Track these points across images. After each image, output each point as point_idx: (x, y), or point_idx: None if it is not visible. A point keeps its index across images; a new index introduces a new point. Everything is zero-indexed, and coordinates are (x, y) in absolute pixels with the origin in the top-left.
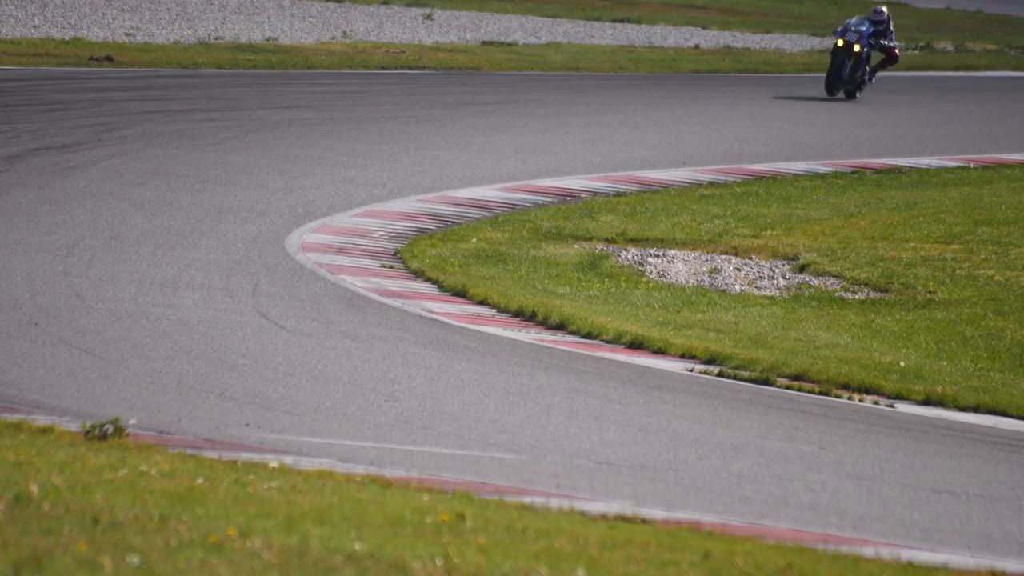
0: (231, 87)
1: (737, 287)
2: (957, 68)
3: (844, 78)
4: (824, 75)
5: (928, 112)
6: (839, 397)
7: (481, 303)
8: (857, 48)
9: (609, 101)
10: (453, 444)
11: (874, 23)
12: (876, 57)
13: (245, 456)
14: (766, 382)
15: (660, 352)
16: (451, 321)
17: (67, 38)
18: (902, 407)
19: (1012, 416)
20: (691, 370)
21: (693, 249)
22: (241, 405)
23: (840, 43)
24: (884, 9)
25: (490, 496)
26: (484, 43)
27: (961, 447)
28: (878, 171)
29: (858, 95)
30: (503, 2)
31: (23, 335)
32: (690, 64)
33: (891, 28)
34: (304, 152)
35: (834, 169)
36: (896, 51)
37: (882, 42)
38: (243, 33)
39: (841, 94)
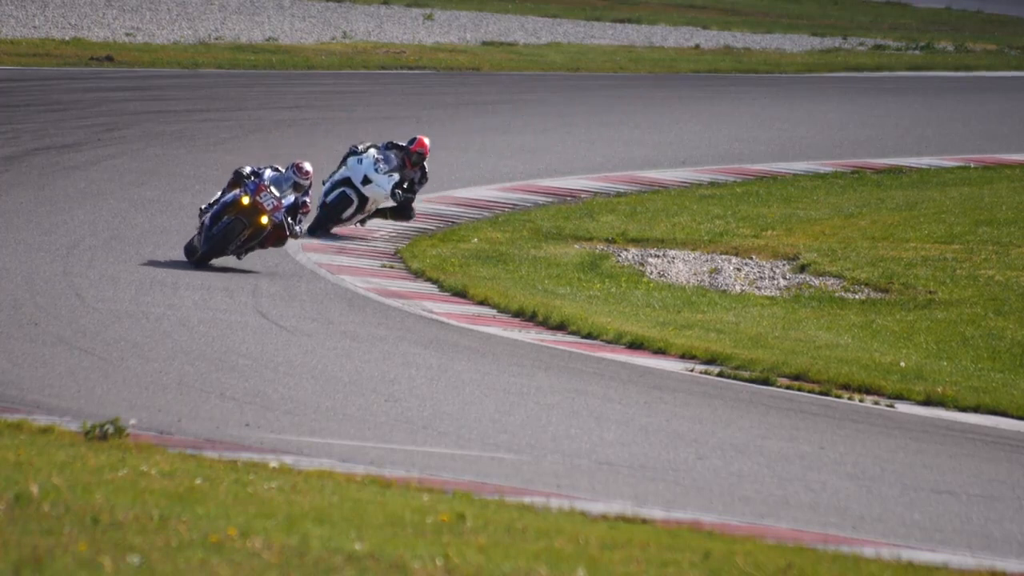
0: (231, 87)
1: (737, 287)
2: (957, 68)
3: (222, 252)
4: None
5: (928, 112)
6: (839, 397)
7: (481, 303)
8: (265, 220)
9: (609, 101)
10: (453, 444)
11: (296, 188)
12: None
13: (245, 456)
14: (766, 382)
15: (660, 352)
16: (451, 321)
17: (67, 38)
18: (902, 407)
19: (1012, 416)
20: (691, 370)
21: (693, 249)
22: (241, 405)
23: (245, 201)
24: (310, 168)
25: (490, 496)
26: (484, 43)
27: (961, 447)
28: (878, 171)
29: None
30: (503, 2)
31: (23, 335)
32: (690, 64)
33: (307, 197)
34: (304, 152)
35: (834, 169)
36: (295, 233)
37: (288, 220)
38: (243, 33)
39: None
